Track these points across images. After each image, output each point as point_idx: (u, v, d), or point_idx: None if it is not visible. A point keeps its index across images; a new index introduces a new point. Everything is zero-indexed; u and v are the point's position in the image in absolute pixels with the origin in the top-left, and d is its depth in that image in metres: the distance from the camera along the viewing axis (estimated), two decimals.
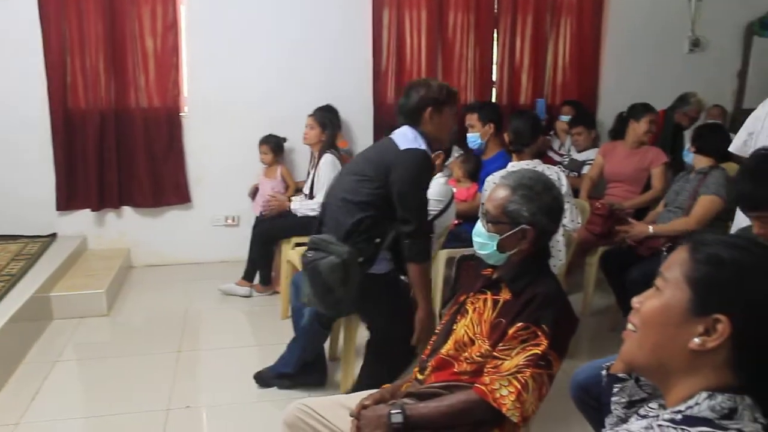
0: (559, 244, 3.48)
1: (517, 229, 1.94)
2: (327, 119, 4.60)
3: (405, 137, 2.76)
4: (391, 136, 2.83)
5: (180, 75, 5.19)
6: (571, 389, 2.45)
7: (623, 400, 1.45)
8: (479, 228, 2.02)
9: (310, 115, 4.65)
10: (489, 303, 1.97)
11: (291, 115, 5.07)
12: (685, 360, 1.08)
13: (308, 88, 5.30)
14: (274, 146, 5.01)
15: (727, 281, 1.06)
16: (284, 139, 5.09)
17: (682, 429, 1.01)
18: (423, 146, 2.72)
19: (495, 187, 2.00)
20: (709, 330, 1.06)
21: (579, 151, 5.09)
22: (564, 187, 3.51)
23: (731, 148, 3.44)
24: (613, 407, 1.45)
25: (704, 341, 1.06)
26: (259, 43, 5.25)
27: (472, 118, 4.11)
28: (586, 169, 4.91)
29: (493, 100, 5.71)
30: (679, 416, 1.05)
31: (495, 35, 5.74)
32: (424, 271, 2.72)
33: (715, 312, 1.05)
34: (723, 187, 3.69)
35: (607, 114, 6.04)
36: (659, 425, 1.03)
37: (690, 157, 3.98)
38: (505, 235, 1.95)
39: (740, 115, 6.57)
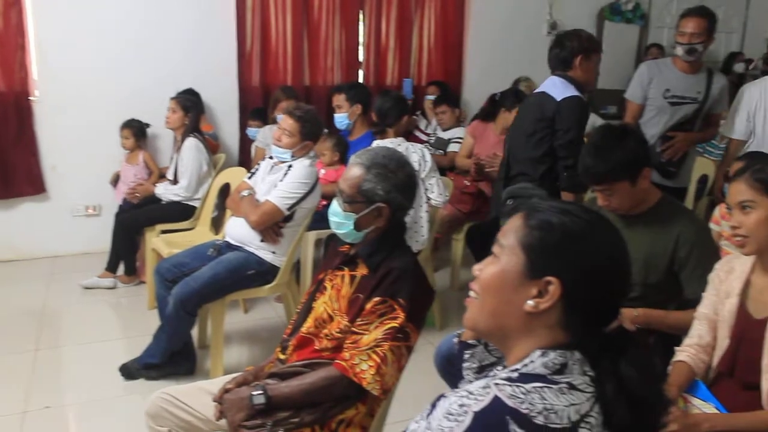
0: (422, 220, 3.56)
1: (372, 207, 1.96)
2: (190, 102, 4.47)
3: (557, 88, 3.23)
4: (543, 90, 3.29)
5: (27, 56, 4.83)
6: (435, 360, 2.53)
7: (474, 365, 1.51)
8: (335, 207, 2.03)
9: (173, 99, 4.50)
10: (346, 279, 1.99)
11: (153, 98, 4.87)
12: (522, 322, 1.14)
13: (171, 71, 5.11)
14: (136, 131, 4.81)
15: (556, 245, 1.12)
16: (147, 125, 4.90)
17: (518, 386, 1.05)
18: (576, 92, 3.20)
19: (349, 167, 2.01)
20: (542, 292, 1.11)
21: (444, 130, 5.21)
22: (428, 163, 3.60)
23: (736, 136, 3.81)
24: (465, 373, 1.51)
25: (537, 303, 1.11)
26: (117, 24, 4.99)
27: (339, 99, 4.12)
28: (452, 147, 5.03)
29: (360, 81, 5.74)
30: (516, 374, 1.09)
31: (361, 16, 5.76)
32: (579, 200, 3.30)
33: (546, 275, 1.10)
34: None
35: (471, 93, 6.22)
36: (496, 384, 1.06)
37: None
38: (361, 213, 1.97)
39: (597, 94, 6.98)
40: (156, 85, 4.99)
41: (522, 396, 1.04)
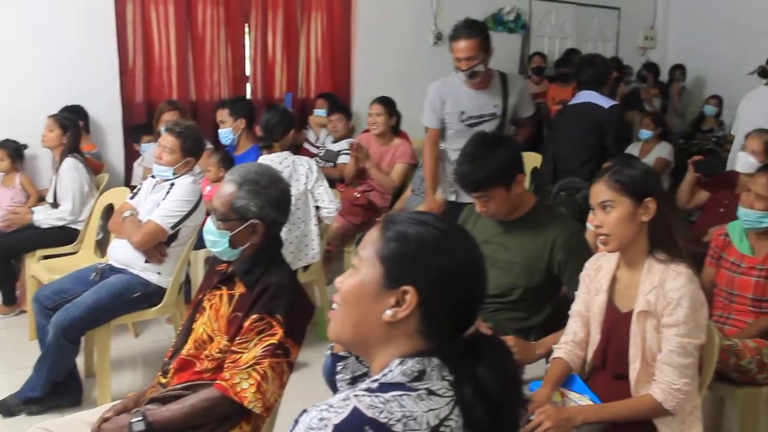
0: (312, 234, 3.58)
1: (246, 224, 1.96)
2: (68, 121, 4.30)
3: (601, 99, 3.88)
4: (587, 101, 3.93)
5: None
6: (323, 373, 2.53)
7: (347, 377, 1.53)
8: (209, 226, 2.02)
9: (50, 117, 4.32)
10: (225, 298, 1.98)
11: (33, 117, 4.63)
12: (382, 332, 1.16)
13: (49, 88, 4.88)
14: (11, 152, 4.57)
15: (411, 255, 1.15)
16: (24, 146, 4.67)
17: (377, 396, 1.08)
18: (615, 102, 3.84)
19: (221, 184, 2.01)
20: (399, 301, 1.14)
21: (334, 141, 5.23)
22: (314, 173, 3.60)
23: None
24: (339, 385, 1.53)
25: (396, 312, 1.14)
26: None
27: (222, 114, 4.07)
28: (341, 159, 5.05)
29: (248, 95, 5.69)
30: (375, 384, 1.11)
31: (246, 30, 5.70)
32: None
33: (403, 284, 1.14)
34: None
35: (361, 105, 6.25)
36: (355, 395, 1.08)
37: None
38: (236, 231, 1.97)
39: None
40: (34, 103, 4.75)
41: (381, 405, 1.06)
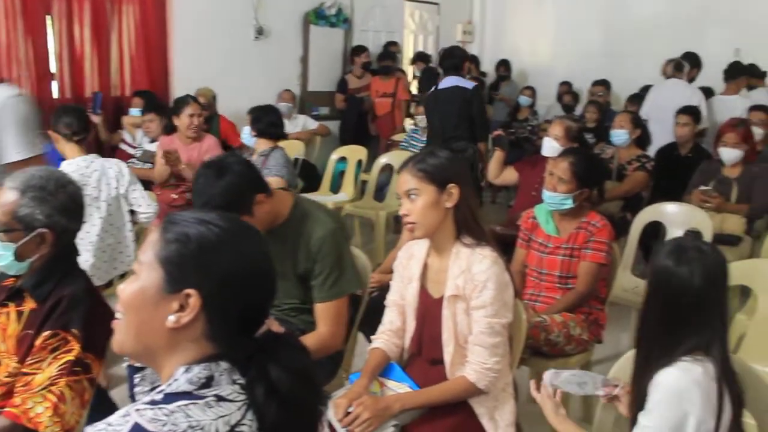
0: (127, 240, 3.38)
1: (33, 234, 1.80)
2: None
3: (464, 82, 4.87)
4: (456, 84, 4.81)
5: None
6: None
7: (146, 388, 1.45)
8: None
9: None
10: (13, 316, 1.81)
11: None
12: (167, 339, 1.10)
13: None
14: None
15: (192, 256, 1.10)
16: None
17: (160, 408, 1.02)
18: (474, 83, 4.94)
19: (1, 192, 1.82)
20: (183, 306, 1.09)
21: (151, 141, 4.96)
22: (126, 177, 3.38)
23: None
24: (138, 398, 1.44)
25: (179, 317, 1.08)
26: None
27: None
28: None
29: (55, 94, 5.26)
30: (160, 396, 1.05)
31: (49, 21, 5.24)
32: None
33: (185, 288, 1.08)
34: (284, 167, 3.96)
35: None
36: (137, 410, 1.02)
37: (252, 141, 4.18)
38: (21, 242, 1.79)
39: (308, 96, 7.19)
40: None
41: (164, 418, 1.01)
